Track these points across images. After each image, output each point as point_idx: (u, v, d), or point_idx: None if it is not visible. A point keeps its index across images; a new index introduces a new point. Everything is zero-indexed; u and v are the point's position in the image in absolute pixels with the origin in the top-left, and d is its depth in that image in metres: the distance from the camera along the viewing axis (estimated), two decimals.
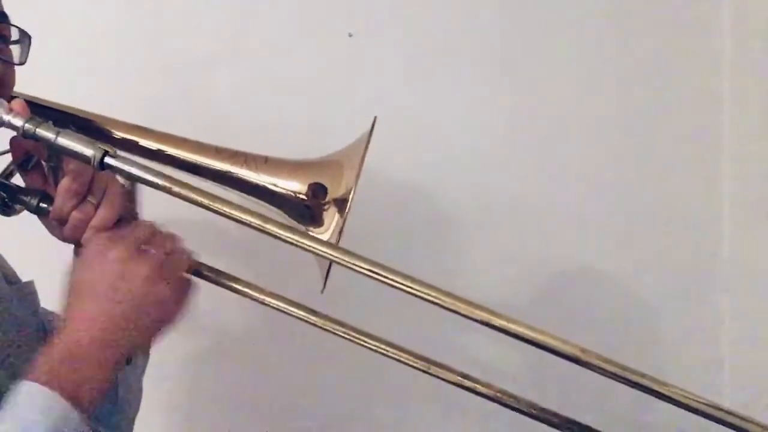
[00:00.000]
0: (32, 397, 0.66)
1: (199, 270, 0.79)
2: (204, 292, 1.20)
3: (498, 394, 0.80)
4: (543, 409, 0.81)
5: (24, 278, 0.87)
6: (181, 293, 0.75)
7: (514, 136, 1.33)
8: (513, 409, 0.81)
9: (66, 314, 0.72)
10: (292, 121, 1.28)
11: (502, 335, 0.74)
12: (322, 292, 0.85)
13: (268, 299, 0.79)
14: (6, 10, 0.92)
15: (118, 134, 0.85)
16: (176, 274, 0.75)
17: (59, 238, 0.80)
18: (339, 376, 1.29)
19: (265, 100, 1.28)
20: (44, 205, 0.79)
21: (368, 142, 0.83)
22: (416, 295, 0.72)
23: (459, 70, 1.32)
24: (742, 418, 0.73)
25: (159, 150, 0.85)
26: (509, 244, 1.33)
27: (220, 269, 0.80)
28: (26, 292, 0.86)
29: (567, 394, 1.14)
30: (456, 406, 1.30)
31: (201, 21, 1.27)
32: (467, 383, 0.79)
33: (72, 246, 0.83)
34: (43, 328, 0.87)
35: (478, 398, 0.82)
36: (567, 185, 1.34)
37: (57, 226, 0.79)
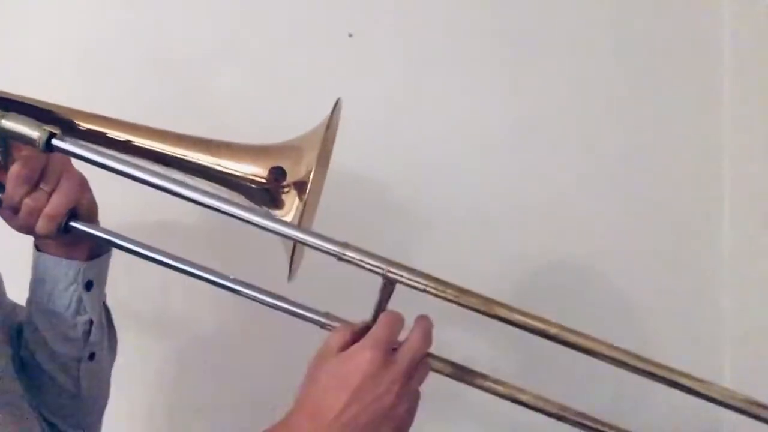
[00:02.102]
0: None
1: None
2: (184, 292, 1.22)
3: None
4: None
5: None
6: (415, 407, 0.71)
7: (514, 135, 1.31)
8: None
9: (304, 397, 0.70)
10: (292, 121, 1.27)
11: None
12: (289, 280, 0.82)
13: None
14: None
15: (83, 125, 0.84)
16: (417, 388, 0.71)
17: (14, 228, 0.80)
18: None
19: (264, 100, 1.27)
20: None
21: (329, 124, 0.82)
22: (397, 280, 0.70)
23: (459, 70, 1.30)
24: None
25: (126, 140, 0.84)
26: (506, 243, 1.30)
27: (450, 360, 0.76)
28: None
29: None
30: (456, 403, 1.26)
31: (201, 21, 1.27)
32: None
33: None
34: (9, 321, 0.86)
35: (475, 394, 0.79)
36: (566, 185, 1.31)
37: (11, 215, 0.78)
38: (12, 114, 0.72)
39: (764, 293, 1.28)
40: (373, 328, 0.70)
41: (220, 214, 0.73)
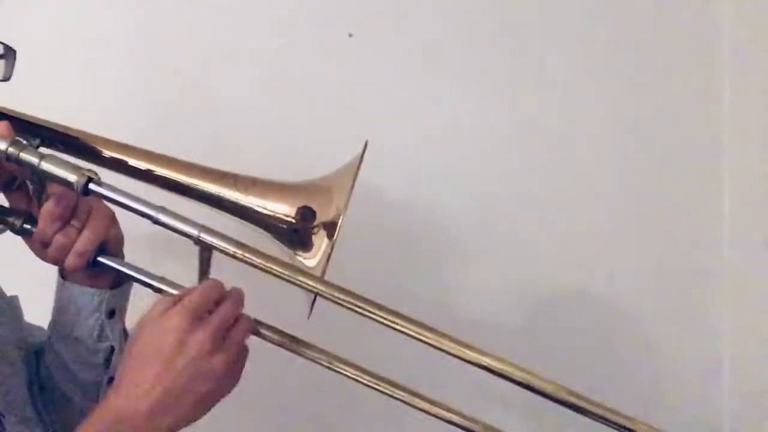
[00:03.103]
0: None
1: (258, 330, 0.76)
2: None
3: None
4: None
5: (9, 293, 0.87)
6: (237, 364, 0.72)
7: (514, 136, 1.32)
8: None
9: (121, 377, 0.70)
10: (291, 121, 1.28)
11: None
12: (308, 318, 0.84)
13: (335, 364, 0.77)
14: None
15: (107, 153, 0.83)
16: (234, 346, 0.71)
17: (43, 259, 0.80)
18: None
19: (264, 99, 1.27)
20: (28, 227, 0.79)
21: (359, 166, 0.82)
22: (401, 332, 0.72)
23: (459, 70, 1.31)
24: None
25: (147, 170, 0.84)
26: (506, 243, 1.32)
27: (279, 329, 0.77)
28: (11, 307, 0.86)
29: None
30: None
31: (201, 21, 1.26)
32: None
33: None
34: (25, 342, 0.87)
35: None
36: (562, 186, 1.33)
37: (40, 248, 0.78)
38: (51, 156, 0.71)
39: (764, 293, 1.30)
40: (186, 295, 0.72)
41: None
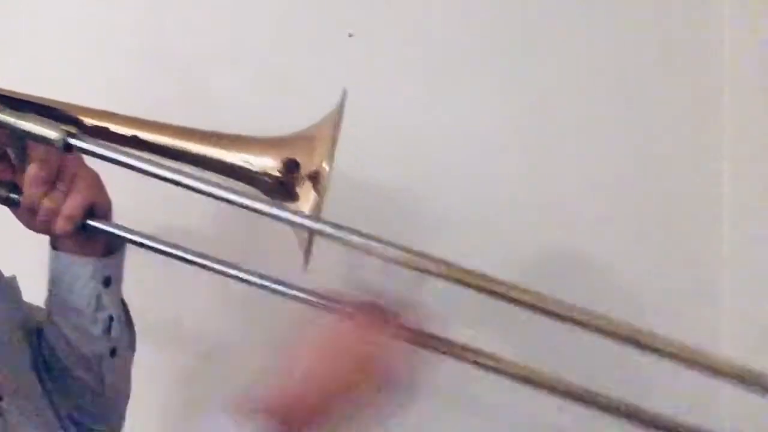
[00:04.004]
0: None
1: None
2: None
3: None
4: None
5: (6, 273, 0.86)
6: None
7: (514, 135, 1.32)
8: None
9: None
10: (291, 121, 1.26)
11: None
12: (305, 269, 0.83)
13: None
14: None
15: (88, 121, 0.83)
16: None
17: (32, 229, 0.80)
18: None
19: (264, 99, 1.27)
20: (14, 196, 0.78)
21: (341, 113, 0.82)
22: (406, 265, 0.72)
23: (459, 70, 1.31)
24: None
25: (131, 136, 0.84)
26: (508, 242, 1.31)
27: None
28: (9, 288, 0.86)
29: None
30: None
31: (200, 21, 1.27)
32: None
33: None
34: (26, 322, 0.87)
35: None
36: (565, 185, 1.33)
37: (28, 217, 0.78)
38: (29, 115, 0.72)
39: (764, 293, 1.30)
40: None
41: (234, 208, 0.75)
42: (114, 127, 0.84)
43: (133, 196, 0.88)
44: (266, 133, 1.22)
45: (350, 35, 1.29)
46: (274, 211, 0.75)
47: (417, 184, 1.30)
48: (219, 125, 1.23)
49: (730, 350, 1.32)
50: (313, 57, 1.27)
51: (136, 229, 0.81)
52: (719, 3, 1.34)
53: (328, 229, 0.74)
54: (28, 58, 1.21)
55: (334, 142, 0.83)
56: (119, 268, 0.86)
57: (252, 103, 1.26)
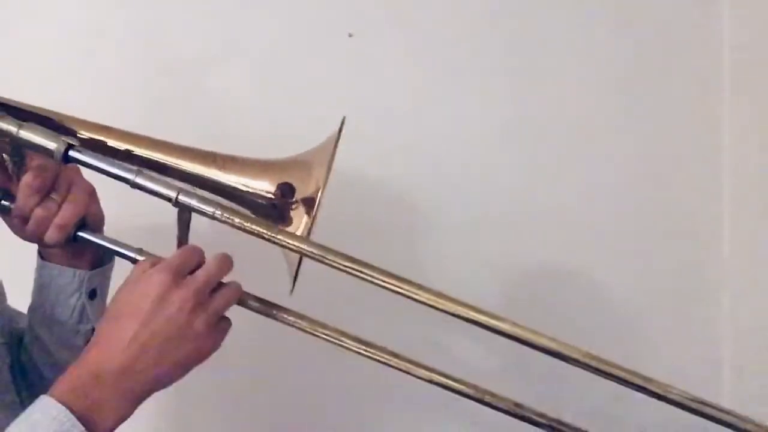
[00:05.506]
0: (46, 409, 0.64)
1: (244, 300, 0.76)
2: None
3: (482, 395, 0.79)
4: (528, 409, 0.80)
5: None
6: (218, 327, 0.71)
7: (513, 136, 1.32)
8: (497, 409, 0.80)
9: (98, 334, 0.69)
10: (291, 121, 1.27)
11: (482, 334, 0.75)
12: (290, 293, 0.84)
13: (318, 330, 0.78)
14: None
15: (84, 134, 0.83)
16: (218, 308, 0.70)
17: (22, 237, 0.79)
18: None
19: (264, 100, 1.27)
20: (6, 203, 0.78)
21: (337, 141, 0.83)
22: (391, 290, 0.72)
23: (460, 70, 1.31)
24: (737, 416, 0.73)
25: (126, 150, 0.84)
26: (508, 246, 1.32)
27: (266, 299, 0.77)
28: None
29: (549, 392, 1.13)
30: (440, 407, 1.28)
31: (200, 21, 1.26)
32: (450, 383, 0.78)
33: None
34: (8, 326, 0.86)
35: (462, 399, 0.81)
36: (564, 186, 1.33)
37: (20, 224, 0.77)
38: (29, 124, 0.71)
39: (764, 293, 1.30)
40: (167, 258, 0.71)
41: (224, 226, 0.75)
42: (110, 141, 0.84)
43: (125, 209, 0.88)
44: (266, 133, 1.23)
45: (350, 35, 1.29)
46: (267, 233, 0.75)
47: (416, 184, 1.30)
48: (218, 125, 1.24)
49: (730, 351, 1.34)
50: (314, 57, 1.28)
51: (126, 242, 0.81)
52: (719, 3, 1.35)
53: (104, 166, 0.73)
54: (27, 59, 1.20)
55: (329, 169, 0.83)
56: (106, 281, 0.85)
57: (252, 103, 1.26)
